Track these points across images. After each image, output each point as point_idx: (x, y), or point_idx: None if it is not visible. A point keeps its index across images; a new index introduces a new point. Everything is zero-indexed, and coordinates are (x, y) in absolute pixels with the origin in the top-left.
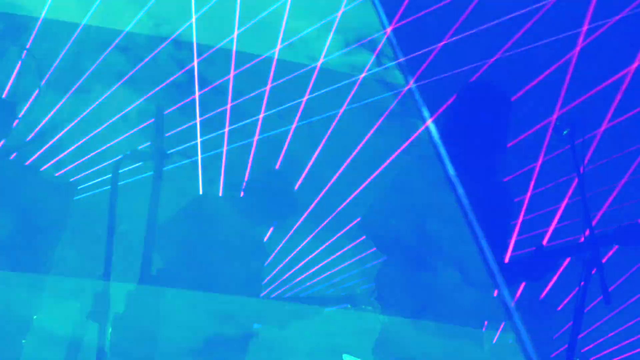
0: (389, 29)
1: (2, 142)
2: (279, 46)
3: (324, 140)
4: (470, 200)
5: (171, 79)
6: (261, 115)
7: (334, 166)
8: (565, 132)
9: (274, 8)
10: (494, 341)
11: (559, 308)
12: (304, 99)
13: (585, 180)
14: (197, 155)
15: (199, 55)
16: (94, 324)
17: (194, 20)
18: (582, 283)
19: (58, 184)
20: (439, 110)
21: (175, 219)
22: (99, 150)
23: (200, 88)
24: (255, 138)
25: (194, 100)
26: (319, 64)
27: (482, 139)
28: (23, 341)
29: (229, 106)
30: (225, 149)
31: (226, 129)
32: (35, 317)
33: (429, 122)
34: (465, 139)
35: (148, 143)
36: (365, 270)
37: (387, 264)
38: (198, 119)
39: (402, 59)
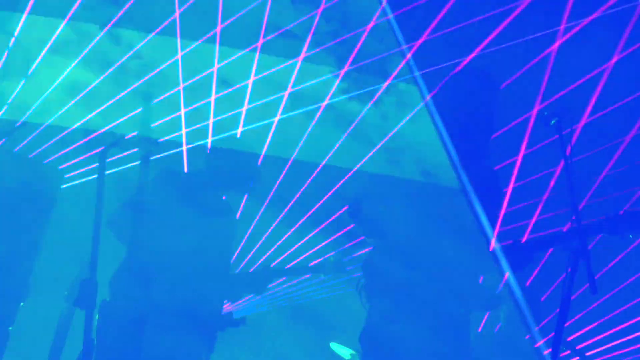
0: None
1: None
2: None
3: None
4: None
5: (158, 69)
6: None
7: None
8: (553, 122)
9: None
10: (479, 330)
11: (543, 299)
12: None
13: (572, 169)
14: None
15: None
16: (80, 311)
17: (177, 14)
18: (569, 270)
19: (46, 171)
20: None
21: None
22: (87, 139)
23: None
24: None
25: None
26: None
27: (470, 125)
28: (10, 328)
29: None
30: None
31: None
32: (22, 304)
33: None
34: (455, 125)
35: (135, 132)
36: (344, 251)
37: (375, 252)
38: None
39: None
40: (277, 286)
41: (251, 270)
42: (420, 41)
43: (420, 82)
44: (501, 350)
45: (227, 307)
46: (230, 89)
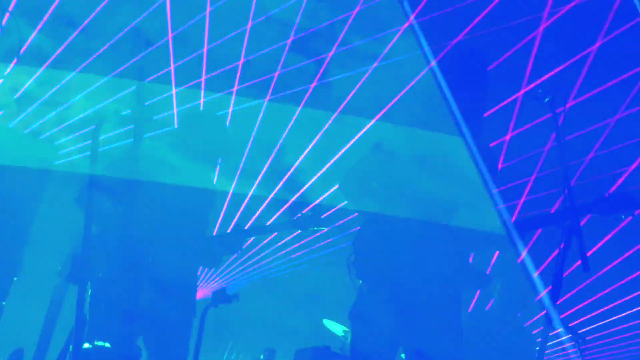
0: None
1: None
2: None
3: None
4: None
5: (150, 49)
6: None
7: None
8: (546, 100)
9: None
10: (470, 310)
11: (535, 275)
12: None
13: (565, 149)
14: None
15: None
16: (73, 286)
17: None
18: (562, 245)
19: (41, 146)
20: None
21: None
22: (81, 116)
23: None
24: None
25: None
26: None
27: (462, 104)
28: (3, 303)
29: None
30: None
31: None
32: (15, 279)
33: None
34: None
35: (128, 110)
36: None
37: (365, 228)
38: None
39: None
40: (269, 259)
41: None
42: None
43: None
44: (494, 328)
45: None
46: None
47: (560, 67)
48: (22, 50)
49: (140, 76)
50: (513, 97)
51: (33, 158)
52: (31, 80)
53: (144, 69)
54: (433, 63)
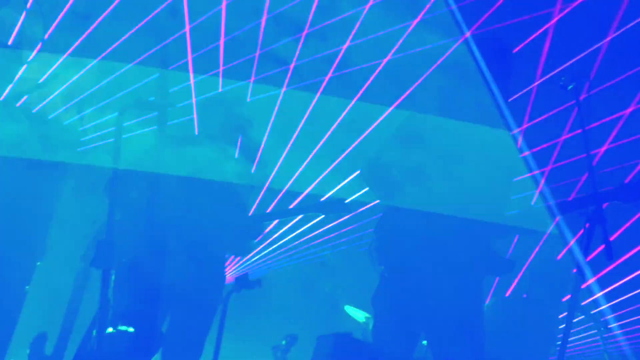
0: None
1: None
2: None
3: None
4: None
5: (171, 38)
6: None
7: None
8: (570, 87)
9: None
10: (489, 299)
11: (559, 257)
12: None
13: (589, 135)
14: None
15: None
16: (96, 271)
17: None
18: (585, 231)
19: (64, 133)
20: None
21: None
22: (105, 102)
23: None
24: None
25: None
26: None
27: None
28: (27, 287)
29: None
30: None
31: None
32: (38, 263)
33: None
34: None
35: (152, 97)
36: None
37: (387, 214)
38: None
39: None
40: (290, 245)
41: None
42: None
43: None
44: (520, 319)
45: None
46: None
47: (579, 56)
48: (46, 36)
49: (164, 63)
50: (532, 86)
51: (56, 144)
52: (55, 66)
53: (167, 56)
54: (457, 44)
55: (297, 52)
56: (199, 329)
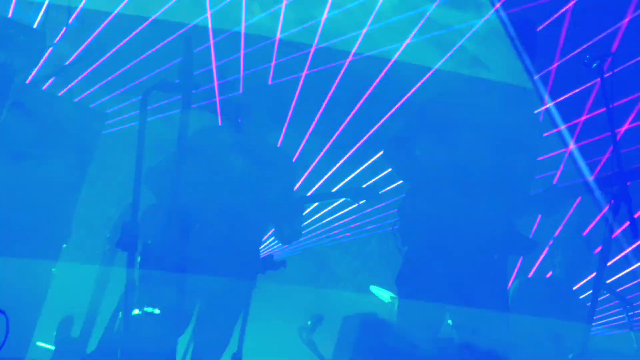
0: None
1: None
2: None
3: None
4: None
5: (192, 23)
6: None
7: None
8: (594, 65)
9: None
10: (512, 280)
11: (584, 233)
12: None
13: (614, 114)
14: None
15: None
16: (122, 253)
17: None
18: (609, 211)
19: (91, 115)
20: None
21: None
22: (130, 85)
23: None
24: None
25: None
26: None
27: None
28: (53, 270)
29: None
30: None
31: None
32: (65, 245)
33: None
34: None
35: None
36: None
37: (410, 195)
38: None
39: None
40: (314, 225)
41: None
42: None
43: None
44: (547, 298)
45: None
46: None
47: (603, 34)
48: (70, 20)
49: (188, 47)
50: (555, 65)
51: (82, 126)
52: (81, 48)
53: (192, 39)
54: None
55: (317, 36)
56: (232, 314)
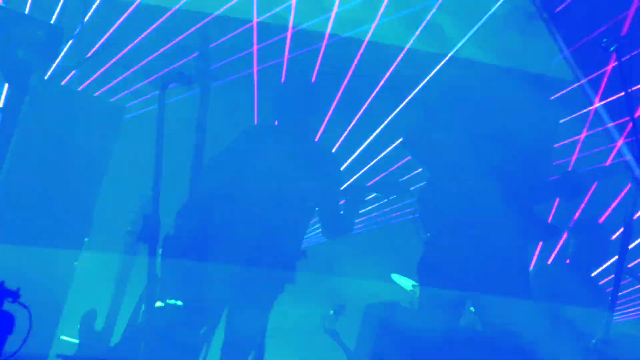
0: None
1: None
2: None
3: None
4: None
5: (212, 15)
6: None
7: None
8: (612, 49)
9: None
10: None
11: (601, 220)
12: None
13: (633, 98)
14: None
15: None
16: (144, 245)
17: None
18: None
19: (110, 108)
20: None
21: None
22: (150, 79)
23: None
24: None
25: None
26: None
27: None
28: (75, 263)
29: None
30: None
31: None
32: (86, 239)
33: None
34: None
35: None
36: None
37: (430, 182)
38: None
39: None
40: None
41: None
42: None
43: None
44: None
45: None
46: None
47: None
48: (85, 18)
49: (205, 41)
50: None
51: (102, 120)
52: (101, 41)
53: (209, 34)
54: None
55: (329, 27)
56: (265, 306)
